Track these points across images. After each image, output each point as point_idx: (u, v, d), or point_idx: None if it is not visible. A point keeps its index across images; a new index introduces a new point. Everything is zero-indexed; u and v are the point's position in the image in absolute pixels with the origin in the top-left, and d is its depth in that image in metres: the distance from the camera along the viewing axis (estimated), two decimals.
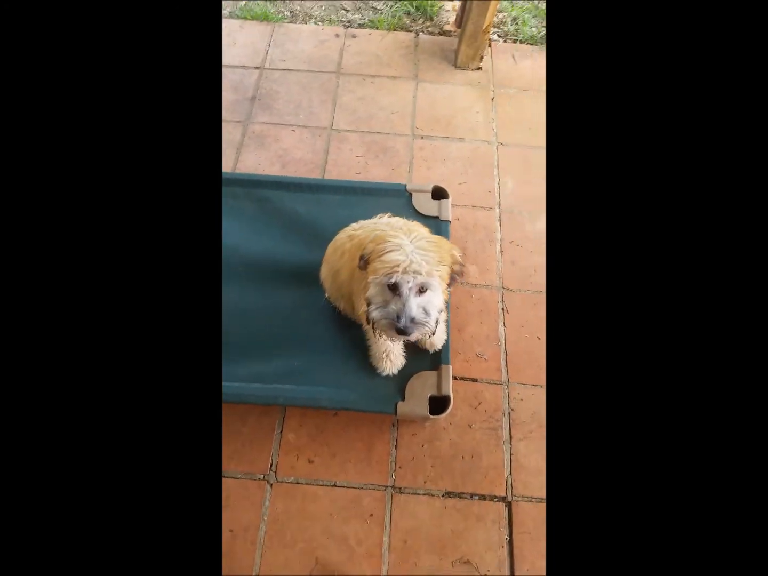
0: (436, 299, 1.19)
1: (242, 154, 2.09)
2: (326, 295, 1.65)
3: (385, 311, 1.19)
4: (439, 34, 2.57)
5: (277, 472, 1.49)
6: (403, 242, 1.15)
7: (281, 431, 1.55)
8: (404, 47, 2.49)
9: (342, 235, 1.48)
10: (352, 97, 2.28)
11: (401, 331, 1.16)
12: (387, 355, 1.52)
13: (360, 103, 2.27)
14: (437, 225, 1.80)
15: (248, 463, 1.50)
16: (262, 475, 1.49)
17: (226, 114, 2.20)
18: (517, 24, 2.59)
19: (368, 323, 1.25)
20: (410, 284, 1.14)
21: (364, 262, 1.22)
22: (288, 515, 1.44)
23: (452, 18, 2.61)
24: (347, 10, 2.63)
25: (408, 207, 1.85)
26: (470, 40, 2.28)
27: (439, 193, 1.89)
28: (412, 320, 1.15)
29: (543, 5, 2.68)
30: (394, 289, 1.17)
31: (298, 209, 1.86)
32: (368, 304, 1.22)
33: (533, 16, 2.63)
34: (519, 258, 1.90)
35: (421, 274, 1.12)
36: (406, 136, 2.18)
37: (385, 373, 1.54)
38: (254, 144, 2.12)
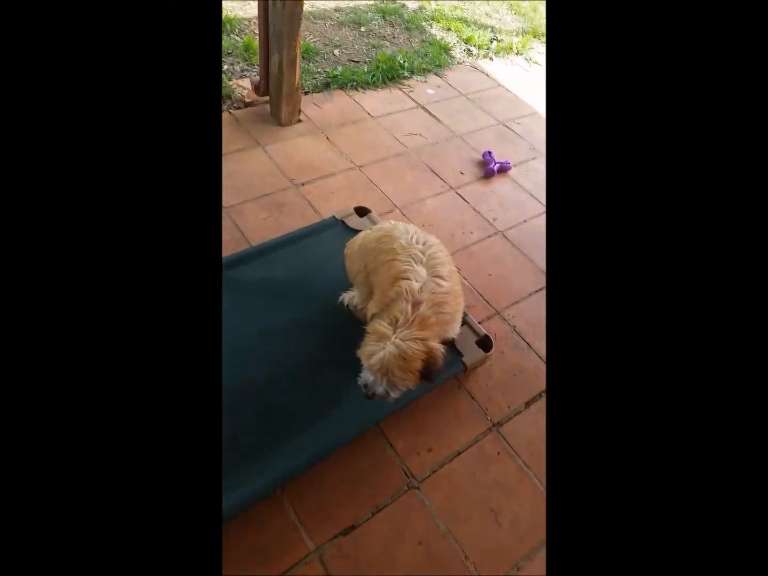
0: (399, 388, 1.44)
1: None
2: (353, 300, 1.79)
3: (364, 377, 1.45)
4: (246, 106, 2.84)
5: (414, 475, 1.58)
6: (382, 348, 1.38)
7: (391, 446, 1.63)
8: (229, 125, 2.68)
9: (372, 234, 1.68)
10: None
11: (365, 396, 1.47)
12: None
13: (231, 179, 2.38)
14: None
15: (388, 487, 1.55)
16: (406, 486, 1.56)
17: None
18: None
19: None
20: (382, 382, 1.40)
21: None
22: (448, 499, 1.55)
23: (245, 92, 2.91)
24: None
25: (345, 231, 2.10)
26: (288, 99, 2.64)
27: (361, 211, 2.19)
28: (373, 393, 1.45)
29: (310, 65, 3.21)
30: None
31: (260, 275, 1.92)
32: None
33: (306, 74, 3.13)
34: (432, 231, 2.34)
35: (381, 385, 1.41)
36: (290, 188, 2.41)
37: None
38: None
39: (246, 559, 1.35)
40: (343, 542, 1.43)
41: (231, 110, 2.79)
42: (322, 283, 1.89)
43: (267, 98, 2.82)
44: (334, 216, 2.16)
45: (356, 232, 2.09)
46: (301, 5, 2.36)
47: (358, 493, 1.52)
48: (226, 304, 1.79)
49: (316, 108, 2.92)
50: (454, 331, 1.61)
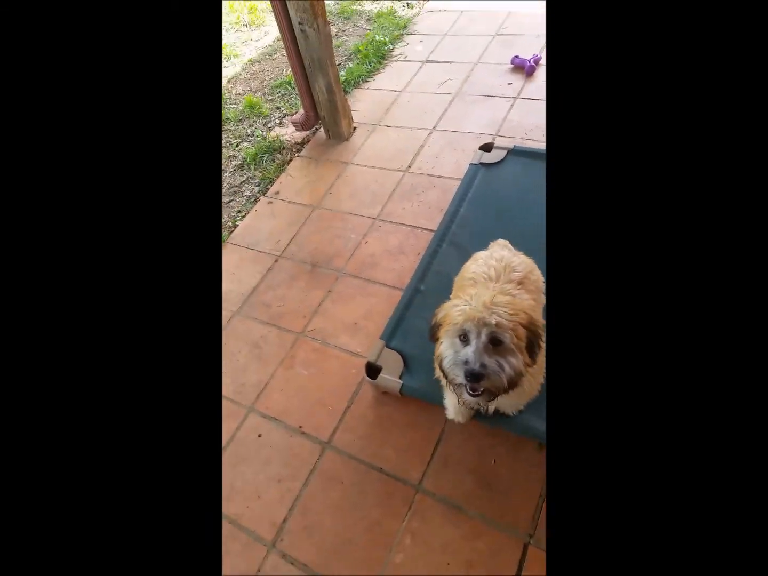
0: (511, 356, 1.06)
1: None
2: None
3: (456, 357, 1.10)
4: (301, 146, 3.02)
5: None
6: (473, 298, 1.11)
7: None
8: (308, 166, 2.87)
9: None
10: (343, 221, 2.58)
11: (470, 375, 1.04)
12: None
13: (356, 199, 2.57)
14: (515, 153, 2.33)
15: None
16: None
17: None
18: None
19: (443, 376, 1.19)
20: (482, 334, 1.06)
21: (437, 328, 1.18)
22: None
23: (285, 134, 3.09)
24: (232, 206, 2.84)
25: (489, 168, 2.32)
26: (344, 113, 2.83)
27: (487, 147, 2.41)
28: (483, 365, 1.04)
29: None
30: (465, 340, 1.10)
31: (460, 242, 2.11)
32: (440, 362, 1.16)
33: None
34: (539, 138, 2.56)
35: (490, 324, 1.04)
36: (405, 175, 2.60)
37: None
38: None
39: None
40: None
41: (296, 157, 2.97)
42: (518, 220, 2.08)
43: (316, 127, 3.01)
44: (471, 163, 2.37)
45: (495, 164, 2.32)
46: (329, 25, 2.54)
47: None
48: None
49: (355, 112, 3.11)
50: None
